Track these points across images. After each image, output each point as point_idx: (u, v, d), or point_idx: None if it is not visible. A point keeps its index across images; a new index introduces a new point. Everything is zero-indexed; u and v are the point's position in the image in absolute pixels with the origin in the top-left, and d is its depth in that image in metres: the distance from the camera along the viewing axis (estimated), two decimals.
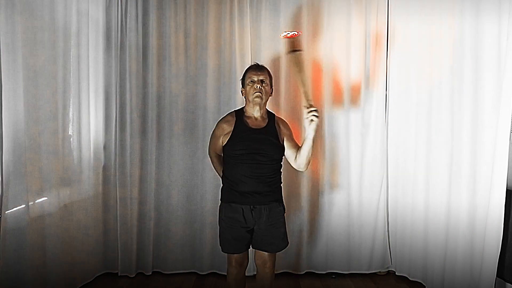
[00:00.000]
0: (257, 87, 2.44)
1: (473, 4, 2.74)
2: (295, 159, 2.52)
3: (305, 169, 2.54)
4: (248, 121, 2.50)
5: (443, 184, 2.98)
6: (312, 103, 2.37)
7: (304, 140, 2.44)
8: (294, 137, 2.62)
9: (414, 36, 3.18)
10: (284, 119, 2.72)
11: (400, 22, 3.28)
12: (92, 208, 3.22)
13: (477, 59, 2.74)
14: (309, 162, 2.50)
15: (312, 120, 2.33)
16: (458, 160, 2.86)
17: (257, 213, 2.44)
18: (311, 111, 2.33)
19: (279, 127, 2.57)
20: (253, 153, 2.40)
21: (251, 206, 2.42)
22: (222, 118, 2.62)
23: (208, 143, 2.75)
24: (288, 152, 2.54)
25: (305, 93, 2.41)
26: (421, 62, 3.14)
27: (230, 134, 2.45)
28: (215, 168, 2.78)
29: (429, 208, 3.10)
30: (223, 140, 2.50)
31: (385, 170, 3.43)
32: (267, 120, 2.53)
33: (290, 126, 2.66)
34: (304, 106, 2.36)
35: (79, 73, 3.06)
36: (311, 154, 2.46)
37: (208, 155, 2.79)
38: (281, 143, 2.51)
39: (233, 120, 2.51)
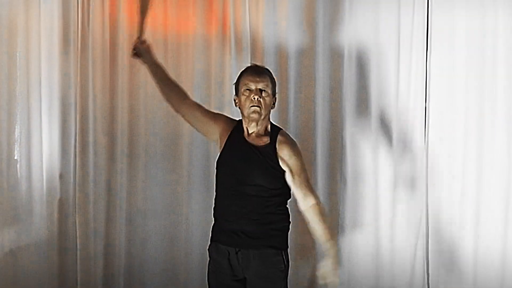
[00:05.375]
0: (254, 98, 2.15)
1: None
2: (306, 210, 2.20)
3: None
4: (244, 135, 2.26)
5: (497, 225, 2.89)
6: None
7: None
8: (305, 166, 2.20)
9: (461, 33, 2.95)
10: (293, 140, 2.26)
11: (443, 15, 2.99)
12: (45, 253, 3.02)
13: None
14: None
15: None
16: None
17: (244, 260, 2.18)
18: None
19: (282, 150, 2.17)
20: (238, 178, 2.18)
21: (236, 249, 2.18)
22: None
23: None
24: (297, 194, 2.18)
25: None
26: (470, 67, 2.95)
27: (223, 144, 2.24)
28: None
29: (480, 255, 2.94)
30: (217, 139, 2.27)
31: (425, 205, 3.05)
32: (266, 138, 2.22)
33: (300, 151, 2.20)
34: None
35: (28, 81, 2.94)
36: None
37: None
38: (281, 171, 2.18)
39: (232, 126, 2.28)
